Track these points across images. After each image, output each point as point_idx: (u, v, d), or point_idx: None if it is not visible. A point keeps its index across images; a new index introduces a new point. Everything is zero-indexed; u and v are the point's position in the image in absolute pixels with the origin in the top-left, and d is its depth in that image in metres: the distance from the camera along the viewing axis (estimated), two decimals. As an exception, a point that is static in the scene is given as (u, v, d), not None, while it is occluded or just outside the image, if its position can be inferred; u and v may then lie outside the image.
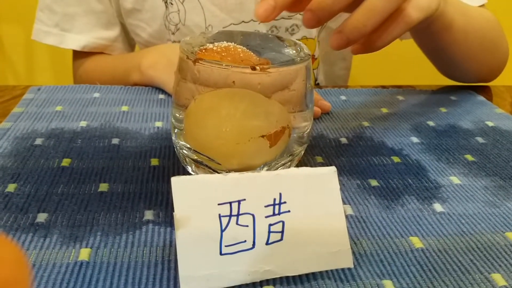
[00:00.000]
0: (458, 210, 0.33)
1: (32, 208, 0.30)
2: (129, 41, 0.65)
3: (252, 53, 0.30)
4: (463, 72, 0.56)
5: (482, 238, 0.30)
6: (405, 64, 1.26)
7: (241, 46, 0.30)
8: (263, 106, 0.29)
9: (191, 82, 0.30)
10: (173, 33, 0.60)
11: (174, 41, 0.61)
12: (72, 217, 0.29)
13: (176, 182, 0.24)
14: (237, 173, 0.25)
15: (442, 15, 0.43)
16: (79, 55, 0.63)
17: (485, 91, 0.57)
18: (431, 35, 0.47)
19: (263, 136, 0.29)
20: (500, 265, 0.28)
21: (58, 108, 0.44)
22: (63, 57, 1.22)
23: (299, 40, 0.61)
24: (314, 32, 0.62)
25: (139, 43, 0.64)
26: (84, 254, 0.26)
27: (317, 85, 0.67)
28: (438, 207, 0.33)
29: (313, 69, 0.65)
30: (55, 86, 0.49)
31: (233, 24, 0.60)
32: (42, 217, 0.29)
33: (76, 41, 0.60)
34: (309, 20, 0.32)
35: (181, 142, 0.32)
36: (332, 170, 0.26)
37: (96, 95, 0.48)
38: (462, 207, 0.33)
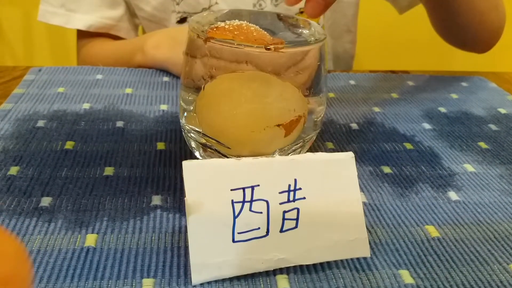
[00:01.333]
0: (473, 199, 0.32)
1: (35, 192, 0.29)
2: (133, 21, 0.63)
3: (265, 33, 0.29)
4: (463, 29, 0.52)
5: (500, 227, 0.29)
6: (411, 49, 1.25)
7: (254, 25, 0.29)
8: (281, 93, 0.28)
9: (202, 62, 0.29)
10: (177, 4, 0.58)
11: (178, 12, 0.59)
12: (77, 202, 0.28)
13: (188, 166, 0.23)
14: (250, 158, 0.24)
15: None
16: (83, 35, 0.62)
17: (495, 77, 0.56)
18: None
19: (279, 125, 0.28)
20: (519, 256, 0.27)
21: (60, 89, 0.43)
22: (62, 38, 1.20)
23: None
24: None
25: (142, 18, 0.62)
26: (91, 239, 0.25)
27: None
28: (453, 195, 0.32)
29: None
30: (56, 67, 0.48)
31: None
32: (46, 201, 0.28)
33: (82, 21, 0.59)
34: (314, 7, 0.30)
35: (190, 126, 0.31)
36: (349, 156, 0.25)
37: (99, 76, 0.46)
38: (477, 195, 0.32)
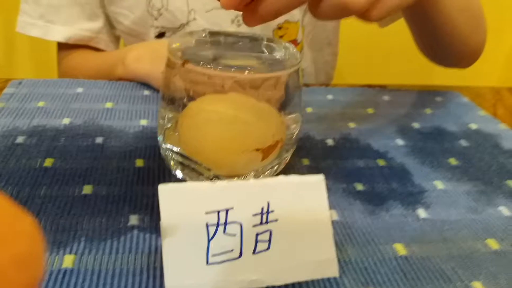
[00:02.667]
0: (441, 216, 0.33)
1: (13, 212, 0.29)
2: (114, 33, 0.63)
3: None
4: (445, 47, 0.53)
5: (465, 245, 0.31)
6: (392, 61, 1.27)
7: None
8: (262, 118, 0.29)
9: (180, 84, 0.30)
10: (156, 19, 0.59)
11: (157, 27, 0.59)
12: (55, 222, 0.29)
13: (163, 190, 0.24)
14: (225, 181, 0.25)
15: None
16: (64, 47, 0.62)
17: (470, 92, 0.58)
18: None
19: (257, 149, 0.29)
20: (480, 273, 0.28)
21: (40, 103, 0.43)
22: (45, 48, 1.19)
23: (281, 24, 0.61)
24: (297, 15, 0.61)
25: (121, 31, 0.62)
26: (68, 261, 0.26)
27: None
28: (422, 212, 0.33)
29: None
30: (37, 80, 0.48)
31: (215, 8, 0.59)
32: (24, 221, 0.28)
33: (61, 32, 0.59)
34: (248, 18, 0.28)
35: (168, 144, 0.32)
36: (320, 179, 0.26)
37: (80, 90, 0.47)
38: (445, 213, 0.34)
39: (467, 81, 0.67)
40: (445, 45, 0.51)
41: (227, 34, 0.34)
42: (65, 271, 0.25)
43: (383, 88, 0.56)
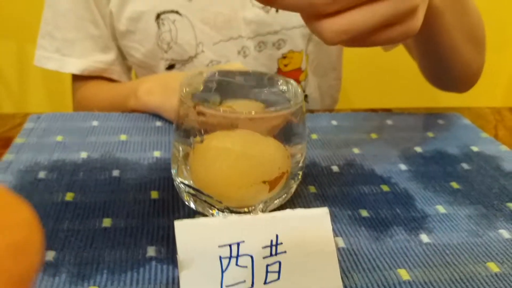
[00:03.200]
0: (443, 241, 0.35)
1: (39, 246, 0.31)
2: (126, 64, 0.66)
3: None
4: (446, 69, 0.54)
5: (465, 268, 0.32)
6: (397, 83, 1.30)
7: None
8: (268, 152, 0.31)
9: (193, 122, 0.32)
10: (165, 52, 0.62)
11: (167, 59, 0.62)
12: (78, 255, 0.31)
13: (179, 225, 0.26)
14: (236, 216, 0.27)
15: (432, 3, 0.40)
16: (78, 79, 0.65)
17: (471, 113, 0.59)
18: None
19: (264, 182, 0.31)
20: (481, 297, 0.30)
21: (59, 138, 0.46)
22: (58, 78, 1.24)
23: (285, 53, 0.63)
24: (300, 45, 0.64)
25: (133, 63, 0.65)
26: (92, 293, 0.28)
27: (305, 97, 0.69)
28: (424, 237, 0.35)
29: (301, 81, 0.67)
30: (54, 114, 0.50)
31: (222, 40, 0.61)
32: (50, 255, 0.30)
33: (76, 65, 0.62)
34: None
35: (181, 178, 0.34)
36: (324, 212, 0.28)
37: (95, 123, 0.49)
38: (447, 237, 0.35)
39: (469, 102, 0.69)
40: (447, 68, 0.53)
41: (234, 73, 0.36)
42: (90, 303, 0.27)
43: (386, 111, 0.58)
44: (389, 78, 1.30)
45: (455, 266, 0.32)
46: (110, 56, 0.64)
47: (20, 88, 1.32)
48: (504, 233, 0.36)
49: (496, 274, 0.32)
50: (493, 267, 0.32)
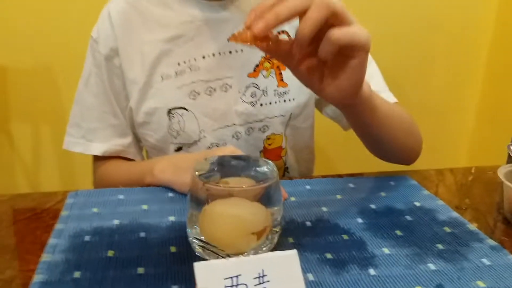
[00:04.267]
0: (385, 273, 0.48)
1: (95, 288, 0.44)
2: (139, 146, 0.81)
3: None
4: (388, 150, 0.70)
5: (400, 292, 0.45)
6: (359, 153, 1.48)
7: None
8: (254, 212, 0.45)
9: (202, 195, 0.46)
10: (175, 138, 0.77)
11: (176, 143, 0.77)
12: (123, 293, 0.43)
13: (198, 265, 0.39)
14: (235, 258, 0.40)
15: (370, 99, 0.56)
16: (99, 159, 0.79)
17: (418, 175, 0.74)
18: (361, 115, 0.58)
19: (253, 234, 0.44)
20: (408, 309, 0.42)
21: (95, 209, 0.59)
22: (67, 156, 1.40)
23: (269, 135, 0.79)
24: (280, 129, 0.80)
25: (147, 146, 0.80)
26: (137, 317, 0.40)
27: (286, 169, 0.84)
28: (372, 271, 0.48)
29: (282, 156, 0.82)
30: (88, 191, 0.64)
31: (220, 128, 0.77)
32: (103, 294, 0.43)
33: (98, 148, 0.77)
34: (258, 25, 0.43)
35: (194, 235, 0.47)
36: (293, 253, 0.41)
37: (121, 196, 0.63)
38: (388, 270, 0.48)
39: (420, 166, 0.84)
40: (384, 147, 0.69)
41: (229, 158, 0.51)
42: (136, 323, 0.39)
43: (349, 176, 0.73)
44: (355, 147, 1.48)
45: (392, 290, 0.45)
46: (127, 140, 0.79)
47: (34, 167, 1.46)
48: (431, 266, 0.49)
49: (421, 294, 0.45)
50: (420, 289, 0.45)
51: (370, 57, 0.68)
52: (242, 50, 0.75)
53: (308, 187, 0.68)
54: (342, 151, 1.54)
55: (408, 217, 0.60)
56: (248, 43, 0.44)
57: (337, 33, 0.44)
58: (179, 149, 0.77)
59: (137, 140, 0.81)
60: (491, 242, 0.55)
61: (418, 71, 1.64)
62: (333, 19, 0.44)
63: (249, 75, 0.76)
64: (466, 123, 1.75)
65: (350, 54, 0.47)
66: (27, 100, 1.41)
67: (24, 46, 1.37)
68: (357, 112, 0.59)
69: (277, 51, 0.48)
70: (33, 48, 1.37)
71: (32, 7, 1.34)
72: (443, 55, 1.64)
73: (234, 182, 0.48)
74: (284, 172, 0.84)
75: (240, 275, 0.39)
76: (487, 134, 1.68)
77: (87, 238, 0.52)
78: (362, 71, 0.49)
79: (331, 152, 1.58)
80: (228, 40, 0.47)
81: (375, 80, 0.79)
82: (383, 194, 0.66)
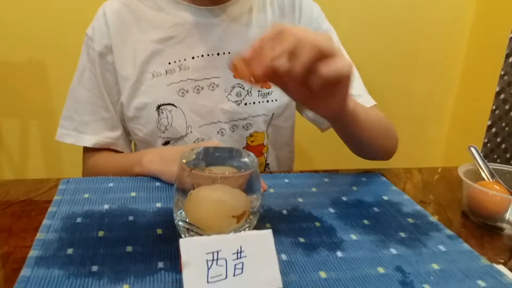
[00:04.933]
0: (351, 256, 0.53)
1: (87, 263, 0.48)
2: (128, 139, 0.86)
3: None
4: (368, 151, 0.77)
5: (362, 271, 0.50)
6: (337, 152, 1.54)
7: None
8: (234, 197, 0.50)
9: (189, 181, 0.50)
10: (163, 132, 0.81)
11: (163, 138, 0.82)
12: (112, 268, 0.47)
13: (183, 241, 0.44)
14: (217, 235, 0.45)
15: (353, 112, 0.63)
16: (89, 150, 0.83)
17: (389, 173, 0.80)
18: (345, 125, 0.66)
19: (233, 216, 0.49)
20: (369, 286, 0.48)
21: (86, 195, 0.63)
22: (55, 152, 1.43)
23: (252, 133, 0.84)
24: (262, 127, 0.85)
25: (136, 140, 0.84)
26: (126, 287, 0.45)
27: (267, 165, 0.89)
28: (339, 254, 0.53)
29: (263, 153, 0.88)
30: (79, 179, 0.68)
31: (206, 124, 0.82)
32: (94, 268, 0.47)
33: (89, 140, 0.80)
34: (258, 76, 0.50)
35: (179, 217, 0.52)
36: (269, 232, 0.46)
37: (111, 184, 0.67)
38: (354, 253, 0.54)
39: (394, 164, 0.90)
40: (364, 149, 0.75)
41: (214, 149, 0.56)
42: (126, 292, 0.44)
43: (326, 172, 0.78)
44: (334, 146, 1.54)
45: (356, 270, 0.50)
46: (117, 133, 0.83)
47: (21, 162, 1.48)
48: (393, 251, 0.55)
49: (381, 274, 0.50)
50: (381, 270, 0.51)
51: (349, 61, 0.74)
52: (229, 53, 0.80)
53: (286, 180, 0.73)
54: (321, 149, 1.61)
55: (376, 209, 0.65)
56: (247, 81, 0.50)
57: (324, 70, 0.50)
58: (166, 143, 0.81)
59: (127, 134, 0.85)
60: (449, 232, 0.60)
61: (398, 82, 1.72)
62: (320, 56, 0.49)
63: (235, 76, 0.81)
64: (441, 130, 1.83)
65: (336, 82, 0.52)
66: (16, 94, 1.43)
67: (17, 41, 1.39)
68: (342, 123, 0.66)
69: (272, 82, 0.54)
70: (26, 43, 1.40)
71: (27, 2, 1.37)
72: (422, 66, 1.72)
73: (218, 170, 0.52)
74: (265, 168, 0.89)
75: (220, 250, 0.44)
76: (460, 140, 1.76)
77: (79, 220, 0.56)
78: (346, 93, 0.56)
79: (310, 151, 1.64)
80: (228, 67, 0.52)
81: (354, 84, 0.85)
82: (354, 188, 0.72)
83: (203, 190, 0.50)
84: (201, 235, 0.51)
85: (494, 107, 1.55)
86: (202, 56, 0.79)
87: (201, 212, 0.50)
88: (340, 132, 0.71)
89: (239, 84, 0.81)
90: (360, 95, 0.84)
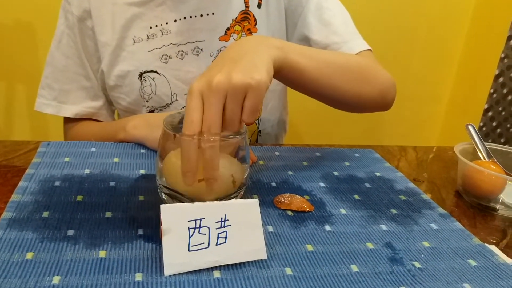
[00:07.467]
0: (340, 230, 0.51)
1: (63, 227, 0.45)
2: (111, 109, 0.82)
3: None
4: (341, 102, 0.65)
5: (351, 246, 0.48)
6: (339, 124, 1.51)
7: None
8: (225, 163, 0.47)
9: (172, 144, 0.48)
10: (147, 101, 0.78)
11: (148, 107, 0.78)
12: (90, 233, 0.45)
13: (164, 207, 0.41)
14: (199, 202, 0.42)
15: (297, 64, 0.54)
16: (70, 120, 0.80)
17: (383, 150, 0.78)
18: (286, 79, 0.57)
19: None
20: (357, 261, 0.46)
21: (66, 159, 0.60)
22: (41, 116, 1.39)
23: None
24: None
25: (119, 109, 0.81)
26: (102, 254, 0.42)
27: (259, 132, 0.86)
28: (327, 227, 0.51)
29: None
30: (60, 142, 0.65)
31: None
32: (70, 232, 0.45)
33: (70, 110, 0.77)
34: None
35: (162, 183, 0.49)
36: (255, 201, 0.44)
37: (93, 149, 0.64)
38: (343, 228, 0.52)
39: (388, 141, 0.88)
40: (337, 100, 0.64)
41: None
42: (100, 259, 0.41)
43: (317, 147, 0.76)
44: (333, 121, 1.51)
45: (344, 244, 0.49)
46: (99, 103, 0.79)
47: (7, 126, 1.44)
48: (384, 227, 0.53)
49: (370, 250, 0.48)
50: (370, 245, 0.49)
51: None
52: (213, 14, 0.76)
53: (277, 153, 0.71)
54: (313, 127, 1.58)
55: (368, 185, 0.63)
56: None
57: (247, 120, 0.47)
58: (151, 111, 0.78)
59: (109, 103, 0.82)
60: (441, 210, 0.59)
61: (397, 61, 1.68)
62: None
63: (220, 39, 0.77)
64: (438, 109, 1.80)
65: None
66: (3, 57, 1.38)
67: (4, 0, 1.34)
68: (284, 78, 0.57)
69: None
70: (13, 2, 1.34)
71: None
72: (421, 46, 1.68)
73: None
74: (257, 135, 0.86)
75: (203, 218, 0.42)
76: (457, 122, 1.74)
77: (57, 183, 0.54)
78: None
79: (303, 129, 1.61)
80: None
81: (340, 30, 0.77)
82: (346, 163, 0.70)
83: (176, 153, 0.47)
84: (183, 201, 0.48)
85: (492, 91, 1.53)
86: (185, 18, 0.75)
87: (174, 175, 0.47)
88: (288, 85, 0.62)
89: (225, 47, 0.78)
90: (345, 41, 0.76)
